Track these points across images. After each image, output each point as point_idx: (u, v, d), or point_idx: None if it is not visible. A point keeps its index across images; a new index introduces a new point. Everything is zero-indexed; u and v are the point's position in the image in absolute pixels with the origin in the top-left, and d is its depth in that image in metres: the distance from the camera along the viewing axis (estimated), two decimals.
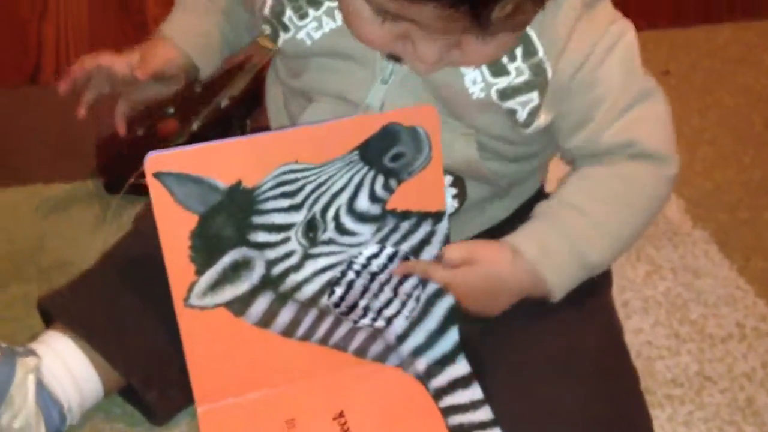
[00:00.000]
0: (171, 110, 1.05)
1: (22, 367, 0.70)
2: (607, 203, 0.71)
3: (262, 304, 0.71)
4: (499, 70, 0.68)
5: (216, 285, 0.70)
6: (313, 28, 0.71)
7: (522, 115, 0.70)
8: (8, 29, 1.39)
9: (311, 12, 0.71)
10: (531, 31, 0.68)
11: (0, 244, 1.00)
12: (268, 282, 0.70)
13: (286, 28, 0.73)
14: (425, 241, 0.71)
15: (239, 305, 0.71)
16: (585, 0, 0.69)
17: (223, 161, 0.66)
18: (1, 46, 1.35)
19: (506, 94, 0.69)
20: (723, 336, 0.91)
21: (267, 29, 0.74)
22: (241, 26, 0.84)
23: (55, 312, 0.76)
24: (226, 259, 0.69)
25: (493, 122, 0.71)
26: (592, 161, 0.72)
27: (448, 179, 0.73)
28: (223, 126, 0.97)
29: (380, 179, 0.69)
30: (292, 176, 0.68)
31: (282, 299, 0.71)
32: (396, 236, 0.71)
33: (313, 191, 0.68)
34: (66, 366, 0.73)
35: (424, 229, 0.71)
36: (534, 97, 0.69)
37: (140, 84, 0.79)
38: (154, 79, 0.79)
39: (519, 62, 0.68)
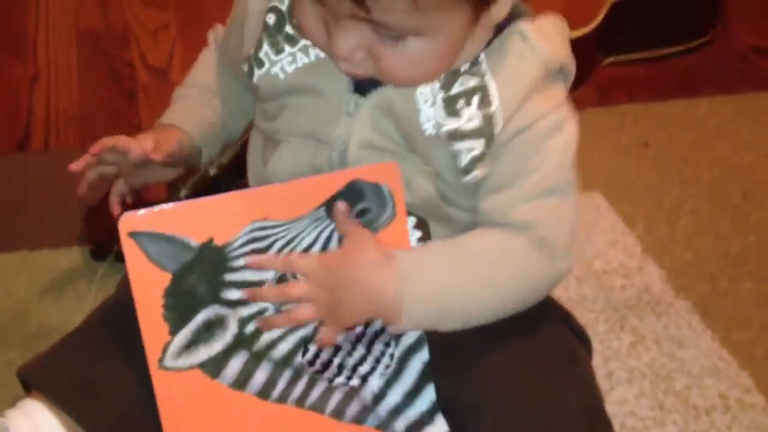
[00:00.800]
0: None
1: None
2: (494, 262, 0.71)
3: (236, 364, 0.71)
4: (452, 112, 0.71)
5: (190, 345, 0.70)
6: (287, 62, 0.74)
7: (464, 160, 0.71)
8: (0, 94, 1.40)
9: (287, 48, 0.74)
10: (492, 83, 0.70)
11: None
12: (241, 341, 0.71)
13: (261, 64, 0.75)
14: None
15: (214, 366, 0.71)
16: (546, 74, 0.71)
17: (195, 219, 0.68)
18: None
19: (454, 135, 0.71)
20: (707, 407, 0.92)
21: (245, 68, 0.77)
22: (237, 112, 0.87)
23: (30, 378, 0.76)
24: (200, 318, 0.70)
25: (444, 163, 0.72)
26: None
27: (412, 221, 0.74)
28: (211, 193, 0.98)
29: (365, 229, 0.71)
30: (262, 233, 0.69)
31: (256, 358, 0.71)
32: None
33: (283, 247, 0.70)
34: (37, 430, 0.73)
35: None
36: (479, 145, 0.71)
37: (149, 167, 0.81)
38: (165, 162, 0.81)
39: (474, 109, 0.70)
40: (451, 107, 0.71)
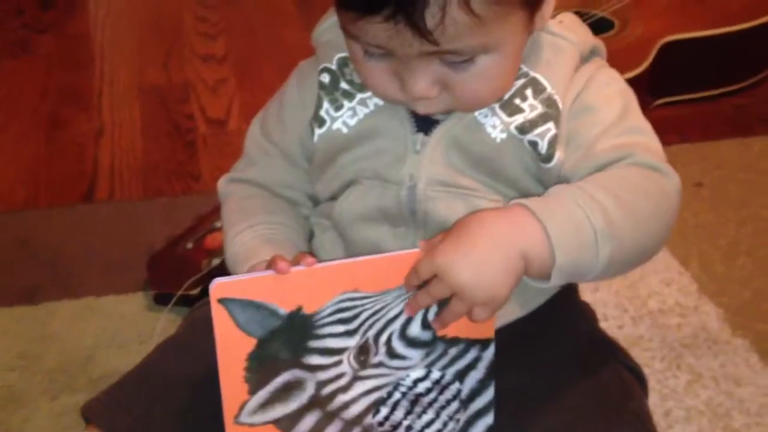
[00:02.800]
0: (219, 224, 1.09)
1: None
2: (619, 183, 0.67)
3: (309, 422, 0.72)
4: (513, 111, 0.72)
5: (267, 404, 0.70)
6: (348, 116, 0.75)
7: (543, 146, 0.71)
8: (66, 149, 1.46)
9: (346, 103, 0.76)
10: (537, 75, 0.72)
11: (53, 355, 1.03)
12: (316, 402, 0.72)
13: (322, 122, 0.76)
14: (471, 366, 0.72)
15: (287, 422, 0.72)
16: (581, 54, 0.74)
17: (286, 289, 0.68)
18: (59, 165, 1.43)
19: (524, 128, 0.71)
20: None
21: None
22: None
23: (88, 414, 0.78)
24: (279, 380, 0.70)
25: (523, 165, 0.72)
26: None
27: None
28: None
29: (433, 308, 0.71)
30: (350, 303, 0.69)
31: (329, 417, 0.72)
32: (443, 361, 0.72)
33: (368, 318, 0.70)
34: None
35: (471, 354, 0.72)
36: (551, 127, 0.71)
37: None
38: None
39: (530, 100, 0.72)
40: (510, 107, 0.72)
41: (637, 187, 0.67)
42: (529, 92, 0.72)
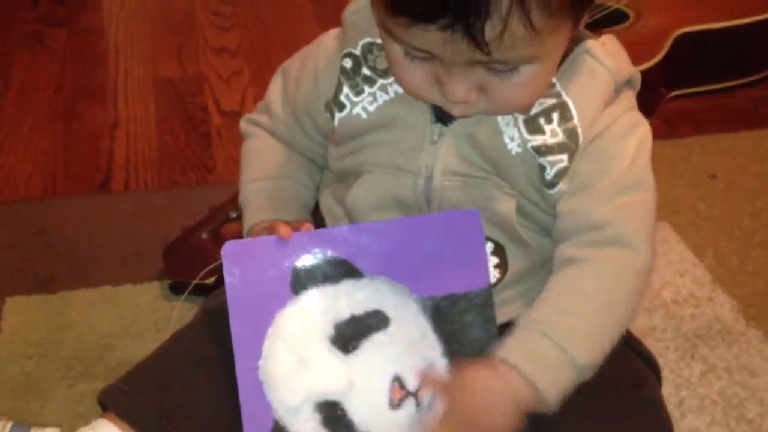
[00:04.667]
0: (234, 214, 1.10)
1: None
2: (588, 303, 0.72)
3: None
4: (535, 129, 0.73)
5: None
6: (368, 102, 0.76)
7: (550, 173, 0.73)
8: (82, 140, 1.47)
9: (366, 89, 0.76)
10: (568, 99, 0.73)
11: (70, 343, 1.04)
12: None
13: (342, 106, 0.77)
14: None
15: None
16: (616, 85, 0.74)
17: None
18: (75, 156, 1.43)
19: (540, 151, 0.73)
20: None
21: (325, 114, 0.79)
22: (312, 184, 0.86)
23: (106, 400, 0.79)
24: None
25: (528, 179, 0.74)
26: (568, 250, 0.74)
27: (490, 246, 0.75)
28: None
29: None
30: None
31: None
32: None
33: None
34: None
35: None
36: (564, 158, 0.73)
37: None
38: None
39: (555, 125, 0.73)
40: (533, 125, 0.73)
41: (606, 300, 0.72)
42: (555, 116, 0.73)
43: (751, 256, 1.16)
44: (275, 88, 0.84)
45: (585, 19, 0.71)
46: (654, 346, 1.00)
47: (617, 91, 0.74)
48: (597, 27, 1.15)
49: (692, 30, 1.45)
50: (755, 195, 1.27)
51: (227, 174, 1.36)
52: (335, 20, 0.81)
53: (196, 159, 1.41)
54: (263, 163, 0.83)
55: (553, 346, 0.70)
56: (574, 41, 0.73)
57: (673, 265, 1.14)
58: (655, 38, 1.45)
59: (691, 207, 1.25)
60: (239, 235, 0.85)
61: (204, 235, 1.10)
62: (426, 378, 0.73)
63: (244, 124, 0.86)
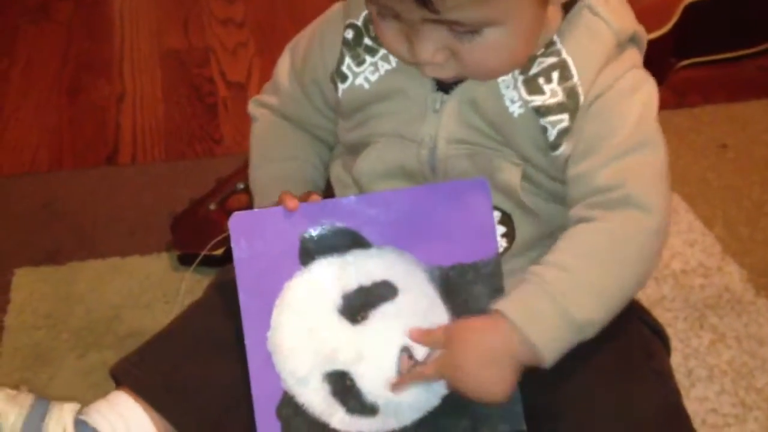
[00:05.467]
0: (242, 185, 1.10)
1: (56, 409, 0.74)
2: (589, 258, 0.70)
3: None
4: (534, 89, 0.72)
5: None
6: (370, 72, 0.76)
7: (552, 134, 0.72)
8: (88, 113, 1.47)
9: (368, 58, 0.76)
10: (568, 58, 0.72)
11: (80, 314, 1.04)
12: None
13: (344, 77, 0.77)
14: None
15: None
16: (618, 41, 0.72)
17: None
18: (82, 129, 1.43)
19: (540, 111, 0.72)
20: None
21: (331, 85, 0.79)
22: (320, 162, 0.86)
23: (119, 375, 0.79)
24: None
25: (532, 142, 0.73)
26: (580, 212, 0.73)
27: (497, 215, 0.75)
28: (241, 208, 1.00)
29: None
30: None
31: None
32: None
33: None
34: (125, 422, 0.76)
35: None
36: (565, 118, 0.72)
37: None
38: None
39: (554, 84, 0.72)
40: (532, 85, 0.72)
41: (612, 259, 0.70)
42: (555, 76, 0.72)
43: (760, 225, 1.16)
44: (283, 65, 0.84)
45: None
46: (663, 315, 1.00)
47: (620, 48, 0.73)
48: None
49: None
50: (765, 165, 1.27)
51: (234, 146, 1.36)
52: None
53: (203, 131, 1.41)
54: (271, 146, 0.84)
55: (548, 299, 0.69)
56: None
57: (683, 234, 1.14)
58: (664, 7, 1.43)
59: (700, 177, 1.25)
60: (247, 207, 0.84)
61: (212, 207, 1.10)
62: (423, 334, 0.72)
63: (252, 107, 0.87)
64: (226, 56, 1.60)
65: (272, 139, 0.84)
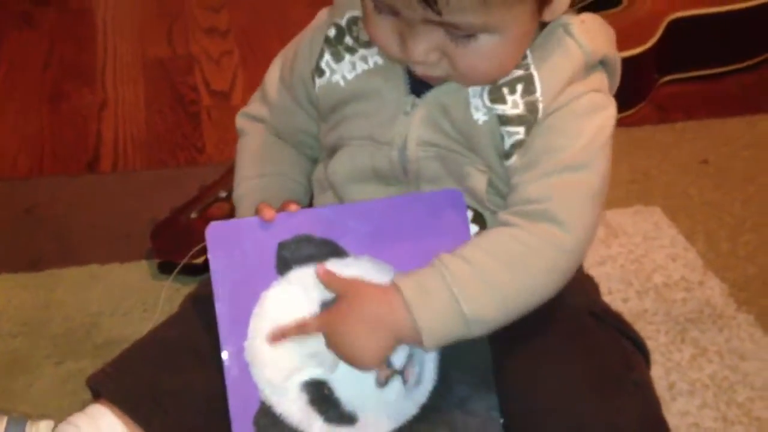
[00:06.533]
0: (224, 194, 1.09)
1: (33, 429, 0.74)
2: (497, 258, 0.71)
3: None
4: (497, 98, 0.73)
5: None
6: (347, 70, 0.78)
7: (507, 143, 0.73)
8: (70, 121, 1.46)
9: (347, 56, 0.78)
10: (535, 72, 0.73)
11: (58, 321, 1.03)
12: None
13: (322, 73, 0.79)
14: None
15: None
16: (587, 63, 0.73)
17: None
18: (63, 136, 1.42)
19: (501, 120, 0.73)
20: None
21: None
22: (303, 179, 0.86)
23: (98, 386, 0.78)
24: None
25: (495, 150, 0.74)
26: (504, 217, 0.73)
27: (470, 214, 0.76)
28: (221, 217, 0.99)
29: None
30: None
31: None
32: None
33: None
34: None
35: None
36: (521, 131, 0.73)
37: None
38: None
39: (517, 96, 0.73)
40: (495, 93, 0.73)
41: (519, 264, 0.70)
42: (519, 87, 0.73)
43: (742, 241, 1.16)
44: (273, 73, 0.85)
45: (558, 4, 0.71)
46: (645, 329, 1.00)
47: (588, 70, 0.74)
48: (590, 11, 1.14)
49: (685, 15, 1.45)
50: (746, 180, 1.27)
51: (217, 154, 1.35)
52: (325, 2, 0.81)
53: (186, 140, 1.40)
54: (256, 161, 0.84)
55: (444, 286, 0.70)
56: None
57: (665, 249, 1.14)
58: (647, 23, 1.44)
59: (682, 192, 1.25)
60: (229, 215, 0.84)
61: (193, 215, 1.10)
62: (328, 274, 0.73)
63: (240, 121, 0.87)
64: (210, 65, 1.59)
65: (258, 154, 0.84)
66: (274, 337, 0.73)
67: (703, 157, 1.31)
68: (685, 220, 1.20)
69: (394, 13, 0.69)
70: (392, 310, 0.70)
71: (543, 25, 0.74)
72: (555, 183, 0.72)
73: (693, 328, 1.02)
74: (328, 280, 0.73)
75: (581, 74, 0.73)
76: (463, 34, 0.68)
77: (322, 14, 0.82)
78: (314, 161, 0.85)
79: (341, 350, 0.71)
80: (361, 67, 0.77)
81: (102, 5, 1.82)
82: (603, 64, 0.75)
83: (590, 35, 0.74)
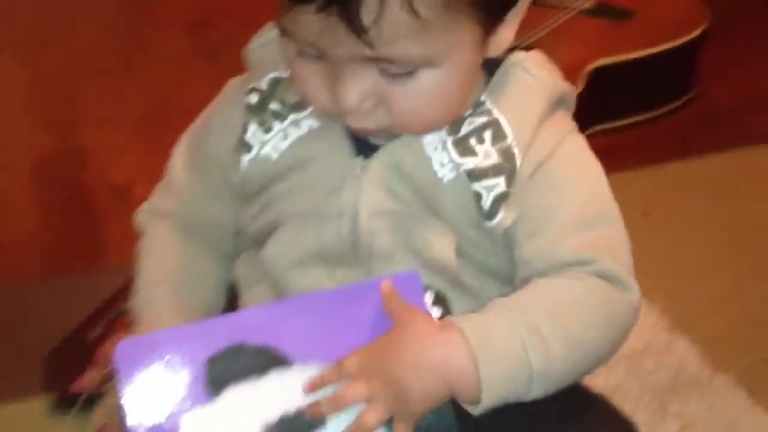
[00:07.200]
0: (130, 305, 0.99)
1: None
2: (575, 311, 0.65)
3: None
4: (466, 151, 0.68)
5: None
6: (279, 139, 0.71)
7: (487, 200, 0.68)
8: None
9: (276, 125, 0.71)
10: (501, 117, 0.69)
11: None
12: None
13: (249, 148, 0.72)
14: None
15: None
16: (551, 100, 0.70)
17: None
18: None
19: (474, 175, 0.68)
20: None
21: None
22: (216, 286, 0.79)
23: None
24: None
25: (465, 212, 0.69)
26: (551, 273, 0.68)
27: (430, 296, 0.69)
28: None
29: None
30: None
31: None
32: None
33: None
34: None
35: None
36: (501, 182, 0.68)
37: None
38: None
39: (487, 145, 0.68)
40: (463, 146, 0.68)
41: (589, 313, 0.66)
42: (488, 135, 0.68)
43: (703, 293, 1.14)
44: (178, 157, 0.79)
45: (504, 36, 0.67)
46: (621, 407, 0.91)
47: (552, 108, 0.70)
48: None
49: (606, 63, 1.43)
50: (693, 227, 1.25)
51: (120, 257, 1.24)
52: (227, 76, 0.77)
53: (84, 242, 1.31)
54: (159, 264, 0.77)
55: (515, 339, 0.63)
56: (501, 55, 0.69)
57: None
58: (569, 74, 1.40)
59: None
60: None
61: (95, 334, 1.01)
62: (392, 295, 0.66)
63: (142, 217, 0.79)
64: (106, 157, 1.51)
65: (161, 256, 0.77)
66: (310, 387, 0.64)
67: (644, 209, 1.28)
68: (641, 280, 1.13)
69: (320, 55, 0.64)
70: (451, 358, 0.62)
71: (491, 68, 0.70)
72: (588, 240, 0.67)
73: (673, 399, 0.97)
74: (387, 298, 0.65)
75: (548, 112, 0.70)
76: (401, 71, 0.63)
77: (232, 83, 0.76)
78: (230, 259, 0.77)
79: (390, 389, 0.62)
80: (294, 134, 0.71)
81: None
82: (562, 101, 0.72)
83: (547, 71, 0.71)
